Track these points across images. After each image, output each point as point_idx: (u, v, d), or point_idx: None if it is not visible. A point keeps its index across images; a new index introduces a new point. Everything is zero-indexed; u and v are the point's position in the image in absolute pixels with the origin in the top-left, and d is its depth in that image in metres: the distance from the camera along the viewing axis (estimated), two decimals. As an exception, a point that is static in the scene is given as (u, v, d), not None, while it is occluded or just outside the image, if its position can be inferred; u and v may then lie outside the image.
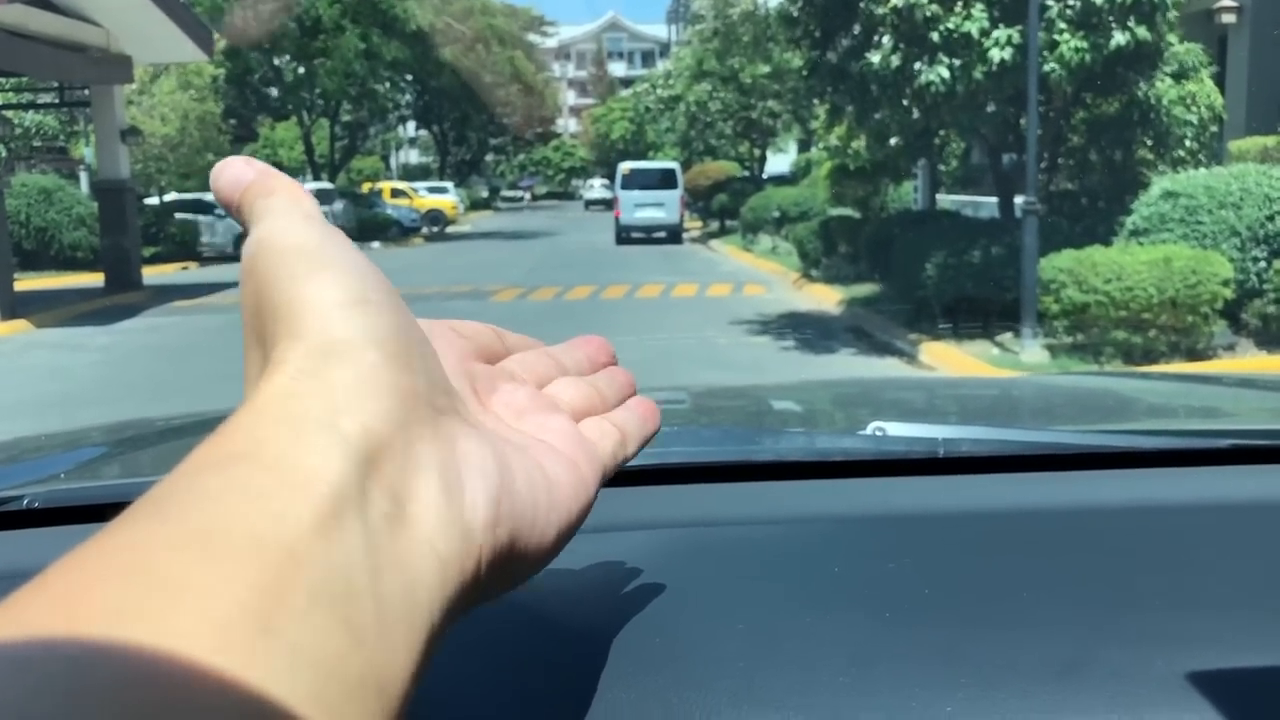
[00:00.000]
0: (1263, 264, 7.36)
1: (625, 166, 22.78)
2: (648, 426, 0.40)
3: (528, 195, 47.52)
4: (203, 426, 1.17)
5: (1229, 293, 6.92)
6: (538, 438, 0.34)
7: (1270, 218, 7.46)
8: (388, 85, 28.03)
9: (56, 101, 16.29)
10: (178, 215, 19.43)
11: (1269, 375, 4.48)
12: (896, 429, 0.73)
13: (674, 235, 21.82)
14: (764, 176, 24.50)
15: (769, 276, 14.25)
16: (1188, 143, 9.18)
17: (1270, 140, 10.15)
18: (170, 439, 1.12)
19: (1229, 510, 0.60)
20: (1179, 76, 9.12)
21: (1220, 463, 0.70)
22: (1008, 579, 0.49)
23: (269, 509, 0.22)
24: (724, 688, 0.40)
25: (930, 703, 0.39)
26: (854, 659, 0.41)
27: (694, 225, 25.55)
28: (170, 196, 20.43)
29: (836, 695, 0.39)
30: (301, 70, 24.44)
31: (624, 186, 21.78)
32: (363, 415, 0.25)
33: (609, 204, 28.26)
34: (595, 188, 43.56)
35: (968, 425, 0.77)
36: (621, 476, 0.67)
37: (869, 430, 0.74)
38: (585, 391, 0.39)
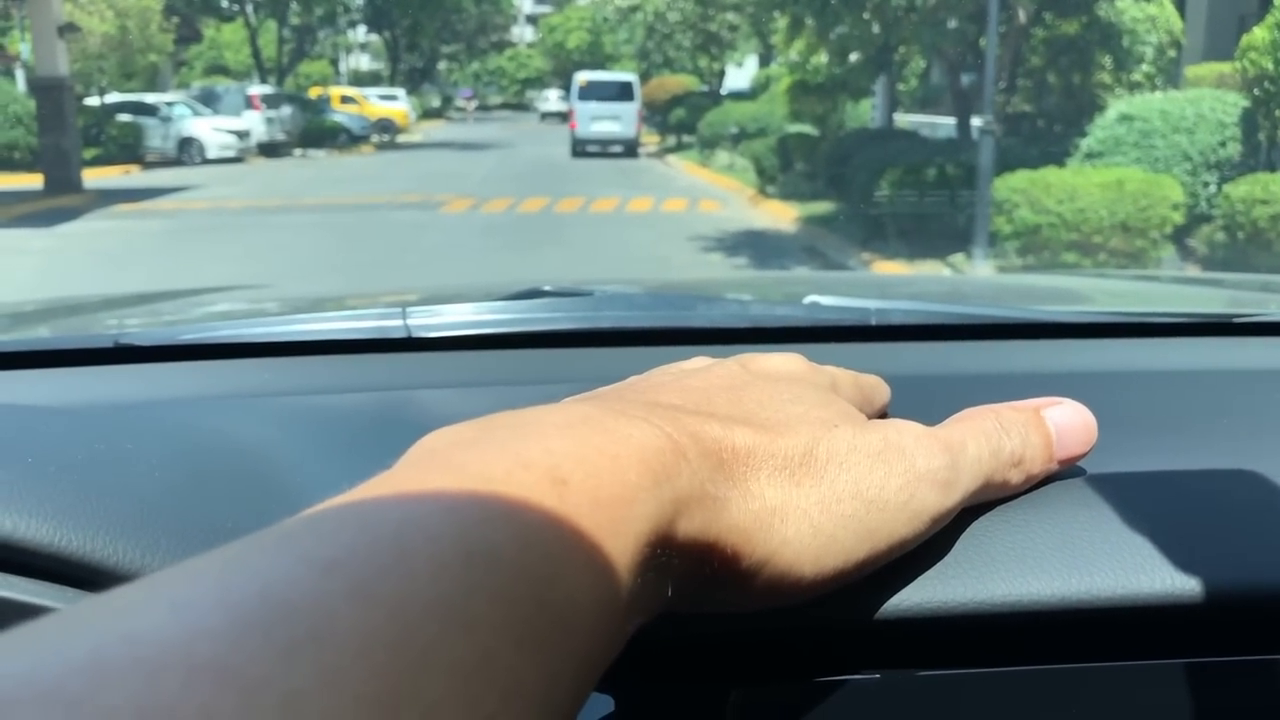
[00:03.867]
0: (1213, 189, 7.41)
1: (582, 77, 22.35)
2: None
3: (469, 107, 45.99)
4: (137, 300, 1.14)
5: (1179, 217, 6.98)
6: None
7: (1222, 143, 7.50)
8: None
9: (-11, -6, 15.65)
10: (119, 117, 18.86)
11: (1207, 275, 4.58)
12: (831, 301, 0.74)
13: (630, 149, 21.56)
14: (722, 92, 24.23)
15: (725, 192, 14.16)
16: (1145, 66, 9.18)
17: (1226, 66, 10.15)
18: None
19: (1135, 376, 0.63)
20: (1139, -2, 9.09)
21: (1132, 335, 0.72)
22: (921, 418, 0.52)
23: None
24: None
25: None
26: None
27: (651, 140, 25.29)
28: (112, 97, 19.81)
29: None
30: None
31: (580, 98, 21.40)
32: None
33: (565, 116, 27.84)
34: (551, 99, 42.84)
35: (902, 300, 0.77)
36: (549, 339, 0.67)
37: (805, 302, 0.75)
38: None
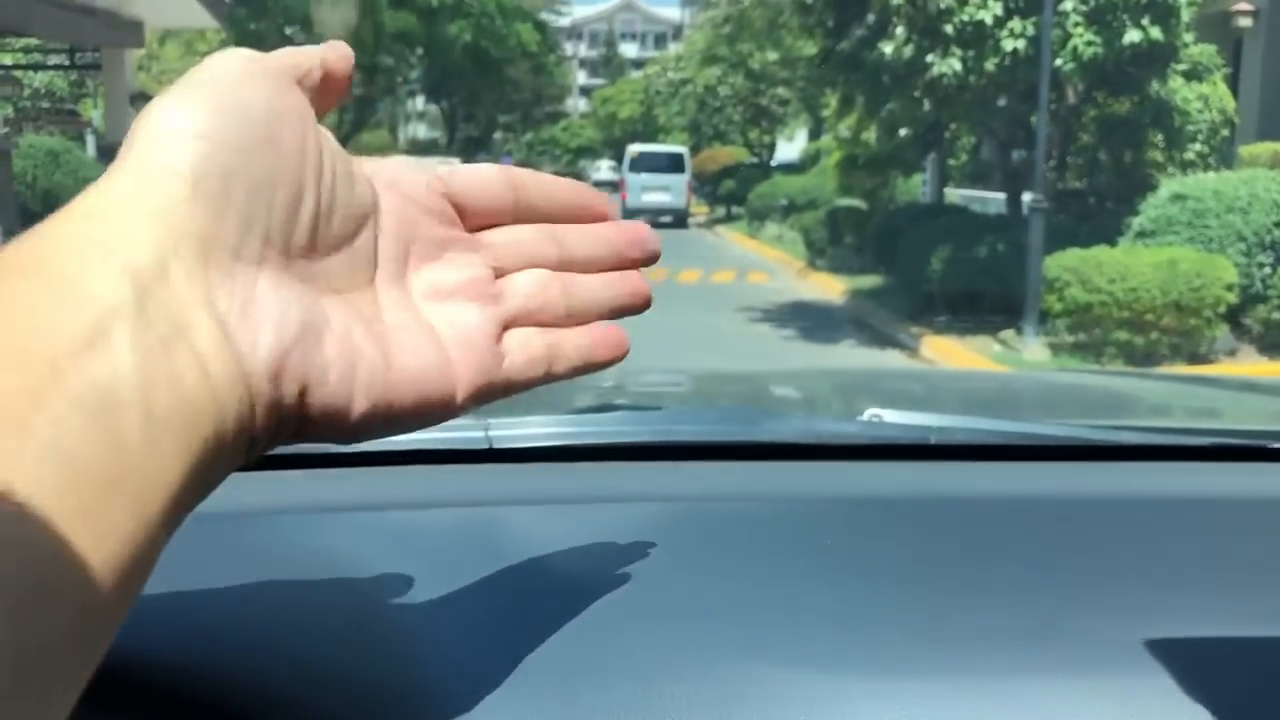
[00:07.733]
0: (1267, 269, 7.35)
1: (633, 149, 22.68)
2: (596, 354, 0.37)
3: None
4: None
5: (1233, 297, 6.92)
6: (425, 325, 0.33)
7: (1277, 224, 7.44)
8: (396, 60, 27.94)
9: (66, 64, 16.22)
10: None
11: (1271, 380, 4.49)
12: (892, 416, 0.76)
13: (680, 220, 21.76)
14: (772, 164, 24.45)
15: (774, 264, 14.24)
16: (1198, 145, 9.15)
17: (1281, 146, 10.11)
18: None
19: (1203, 503, 0.62)
20: (1192, 77, 9.09)
21: (1200, 459, 0.71)
22: (988, 556, 0.52)
23: (38, 323, 0.23)
24: (720, 640, 0.42)
25: (904, 659, 0.41)
26: (838, 621, 0.44)
27: (700, 210, 25.51)
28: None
29: (821, 648, 0.42)
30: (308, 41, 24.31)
31: (631, 169, 21.70)
32: (148, 246, 0.26)
33: (615, 186, 28.18)
34: (603, 169, 43.40)
35: (962, 415, 0.78)
36: (622, 451, 0.71)
37: (865, 417, 0.76)
38: (550, 297, 0.36)
